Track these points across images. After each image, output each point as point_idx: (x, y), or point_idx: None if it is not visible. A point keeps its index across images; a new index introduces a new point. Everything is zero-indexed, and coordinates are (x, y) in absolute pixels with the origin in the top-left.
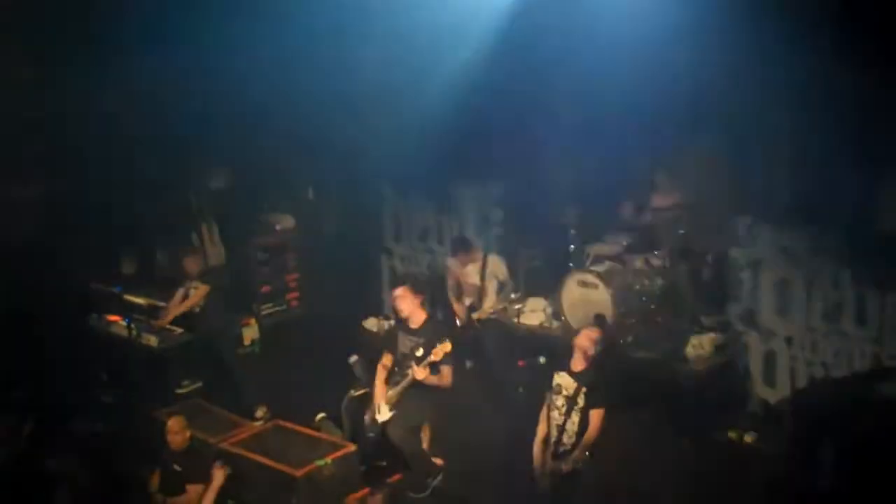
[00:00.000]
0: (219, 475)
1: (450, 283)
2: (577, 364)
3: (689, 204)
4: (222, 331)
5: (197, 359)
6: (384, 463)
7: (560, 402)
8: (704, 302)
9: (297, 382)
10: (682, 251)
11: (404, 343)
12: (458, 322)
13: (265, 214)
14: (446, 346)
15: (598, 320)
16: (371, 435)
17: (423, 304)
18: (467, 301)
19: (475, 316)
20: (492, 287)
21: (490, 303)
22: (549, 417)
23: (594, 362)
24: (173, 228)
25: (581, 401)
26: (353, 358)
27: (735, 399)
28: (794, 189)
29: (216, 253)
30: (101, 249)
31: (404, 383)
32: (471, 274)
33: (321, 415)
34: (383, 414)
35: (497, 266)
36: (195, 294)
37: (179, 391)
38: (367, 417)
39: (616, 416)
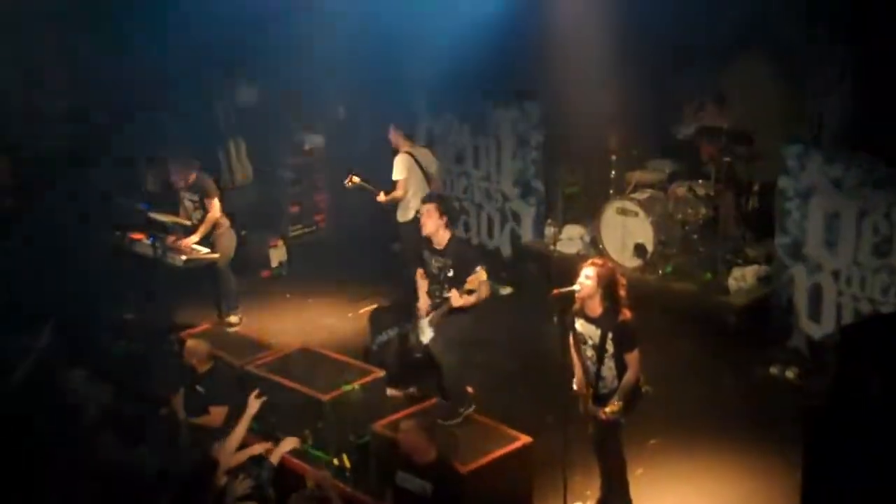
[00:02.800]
0: (254, 404)
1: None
2: (593, 307)
3: (738, 130)
4: (226, 254)
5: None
6: (414, 389)
7: (588, 351)
8: (749, 233)
9: (326, 306)
10: (729, 179)
11: (432, 263)
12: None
13: (295, 133)
14: (481, 275)
15: (638, 250)
16: (418, 355)
17: (447, 226)
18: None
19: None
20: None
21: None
22: (582, 364)
23: (611, 302)
24: (200, 145)
25: (610, 347)
26: (381, 338)
27: (777, 334)
28: (847, 118)
29: (243, 171)
30: (125, 165)
31: (445, 308)
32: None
33: (381, 338)
34: (427, 335)
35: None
36: (211, 205)
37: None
38: (413, 340)
39: (654, 351)
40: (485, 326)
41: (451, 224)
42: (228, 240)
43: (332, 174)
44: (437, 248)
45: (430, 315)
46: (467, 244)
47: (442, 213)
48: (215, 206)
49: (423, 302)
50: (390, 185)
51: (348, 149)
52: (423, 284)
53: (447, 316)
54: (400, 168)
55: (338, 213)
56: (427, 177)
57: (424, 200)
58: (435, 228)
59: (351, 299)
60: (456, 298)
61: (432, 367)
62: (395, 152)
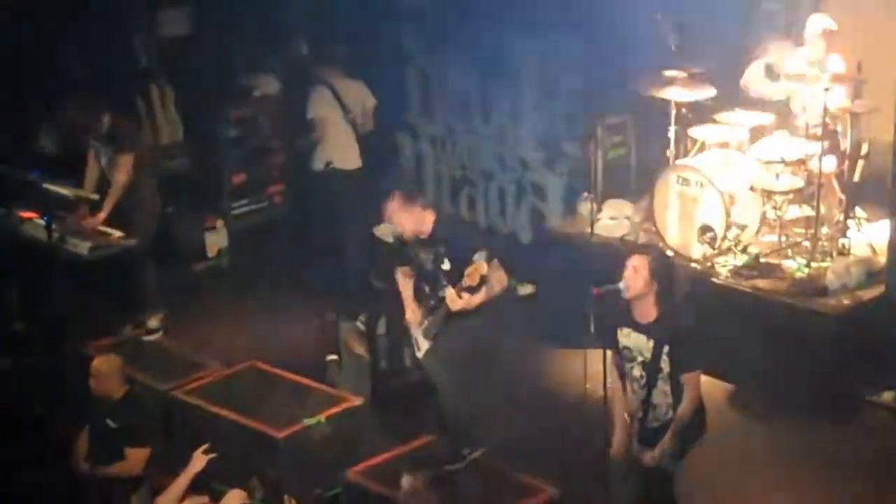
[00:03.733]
0: (199, 461)
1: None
2: (645, 311)
3: (845, 74)
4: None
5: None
6: (406, 420)
7: (636, 370)
8: (856, 211)
9: (283, 310)
10: (832, 138)
11: (420, 257)
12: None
13: (240, 75)
14: (481, 266)
15: (705, 234)
16: (411, 379)
17: (425, 206)
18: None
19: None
20: None
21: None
22: (625, 390)
23: (669, 304)
24: (113, 92)
25: (665, 364)
26: (330, 357)
27: (893, 348)
28: None
29: (169, 127)
30: (11, 119)
31: (441, 314)
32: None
33: (331, 356)
34: (423, 349)
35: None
36: (121, 165)
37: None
38: (406, 355)
39: (725, 373)
40: (497, 337)
41: (426, 202)
42: (149, 218)
43: (291, 130)
44: (423, 237)
45: (424, 323)
46: (462, 224)
47: (409, 201)
48: (127, 164)
49: (412, 310)
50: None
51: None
52: (406, 285)
53: (446, 324)
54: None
55: (300, 184)
56: (350, 118)
57: (397, 198)
58: (413, 222)
59: (317, 300)
60: (453, 298)
61: (425, 393)
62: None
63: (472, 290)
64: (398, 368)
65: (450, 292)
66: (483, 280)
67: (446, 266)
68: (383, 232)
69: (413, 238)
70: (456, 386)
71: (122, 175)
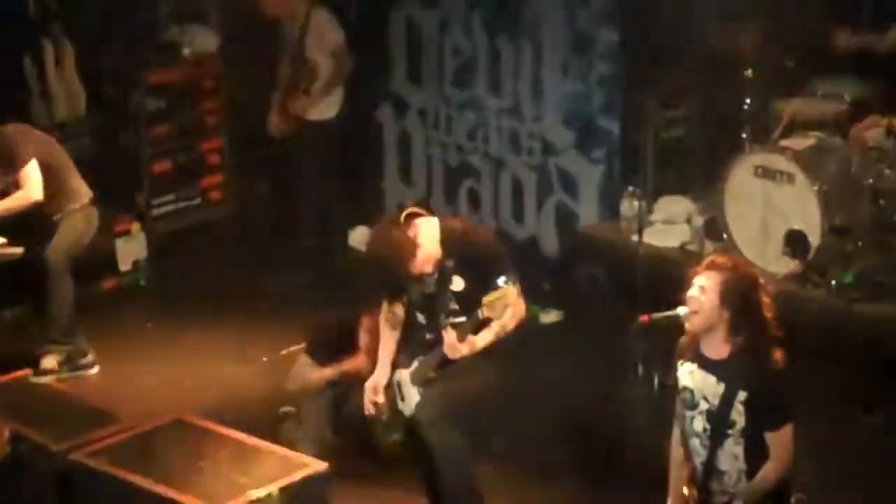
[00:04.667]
0: None
1: None
2: (716, 345)
3: None
4: (76, 243)
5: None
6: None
7: (699, 421)
8: None
9: (220, 342)
10: None
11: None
12: None
13: (164, 29)
14: (508, 295)
15: (793, 242)
16: (394, 437)
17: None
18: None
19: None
20: None
21: None
22: (685, 447)
23: (748, 336)
24: None
25: (739, 417)
26: (286, 409)
27: None
28: None
29: (68, 98)
30: None
31: (435, 358)
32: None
33: (286, 408)
34: (410, 401)
35: None
36: (26, 180)
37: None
38: (379, 411)
39: (823, 432)
40: (512, 378)
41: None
42: (81, 225)
43: (235, 102)
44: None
45: (413, 366)
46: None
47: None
48: (30, 175)
49: (384, 371)
50: None
51: (263, 54)
52: (387, 335)
53: (440, 367)
54: None
55: (247, 174)
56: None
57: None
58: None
59: (268, 331)
60: (452, 346)
61: (416, 452)
62: None
63: (483, 325)
64: (370, 423)
65: (449, 336)
66: (504, 310)
67: (457, 286)
68: (360, 241)
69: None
70: (455, 447)
71: (24, 186)
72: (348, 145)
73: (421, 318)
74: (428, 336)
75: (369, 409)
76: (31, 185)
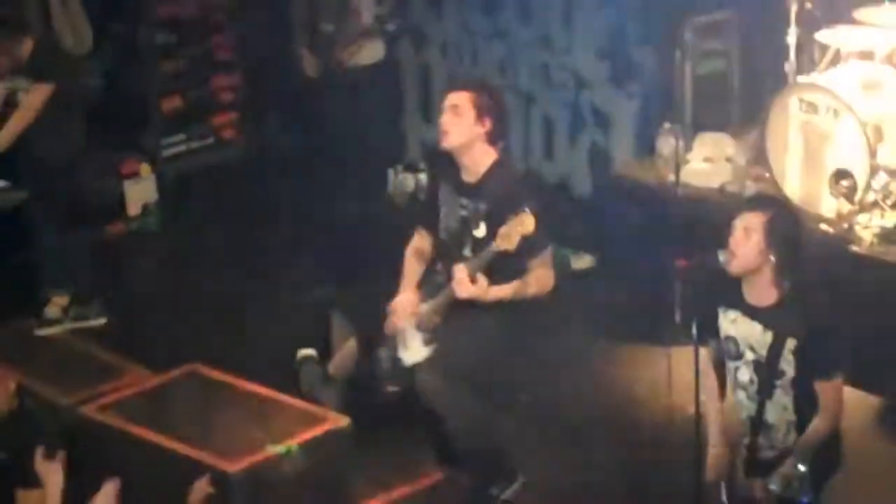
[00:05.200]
0: (107, 491)
1: None
2: (762, 291)
3: None
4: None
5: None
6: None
7: (745, 373)
8: None
9: (235, 290)
10: None
11: (453, 210)
12: None
13: None
14: (526, 223)
15: (841, 182)
16: (391, 388)
17: (492, 137)
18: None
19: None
20: None
21: None
22: (729, 399)
23: (797, 280)
24: None
25: (788, 366)
26: (304, 352)
27: None
28: None
29: (75, 34)
30: None
31: (444, 300)
32: None
33: (305, 351)
34: (412, 350)
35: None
36: (28, 102)
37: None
38: (382, 356)
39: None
40: (535, 331)
41: (500, 133)
42: (53, 161)
43: (249, 35)
44: (470, 180)
45: (421, 310)
46: (521, 177)
47: (484, 108)
48: (38, 95)
49: (407, 295)
50: None
51: None
52: (412, 268)
53: (450, 314)
54: None
55: (265, 112)
56: None
57: (452, 86)
58: (467, 137)
59: (290, 278)
60: (462, 280)
61: (420, 414)
62: None
63: (502, 267)
64: (372, 376)
65: (460, 271)
66: (525, 242)
67: (480, 231)
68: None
69: (453, 172)
70: (469, 411)
71: (27, 112)
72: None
73: (439, 260)
74: (439, 279)
75: (389, 329)
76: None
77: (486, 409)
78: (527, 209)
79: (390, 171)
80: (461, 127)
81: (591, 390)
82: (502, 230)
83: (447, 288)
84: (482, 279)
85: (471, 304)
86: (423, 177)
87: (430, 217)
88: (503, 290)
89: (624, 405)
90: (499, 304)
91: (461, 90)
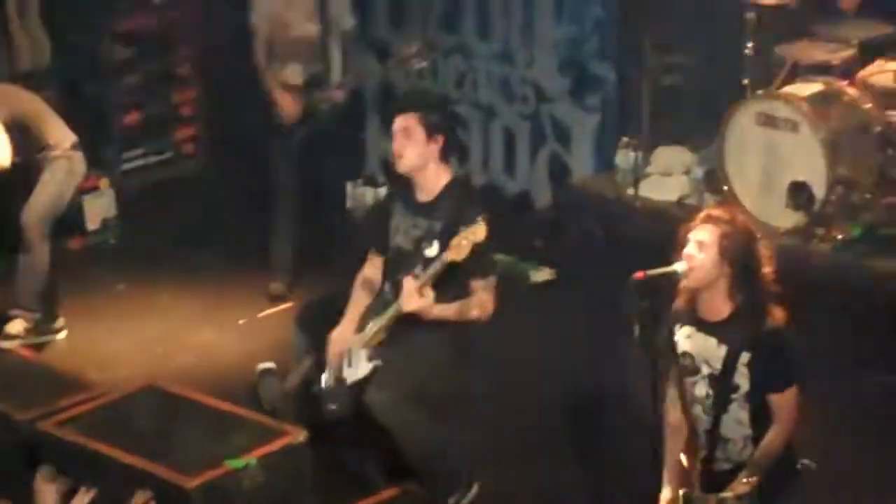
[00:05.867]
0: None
1: None
2: (716, 305)
3: None
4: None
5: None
6: (359, 463)
7: (700, 388)
8: None
9: (194, 304)
10: None
11: (406, 230)
12: None
13: None
14: (477, 231)
15: (797, 194)
16: (331, 407)
17: (445, 154)
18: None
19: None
20: None
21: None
22: (686, 415)
23: (749, 294)
24: None
25: (743, 380)
26: (264, 365)
27: None
28: None
29: (32, 45)
30: None
31: (391, 313)
32: None
33: (265, 364)
34: (357, 366)
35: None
36: None
37: None
38: (325, 376)
39: (826, 393)
40: (494, 340)
41: (453, 148)
42: (62, 177)
43: (208, 49)
44: (423, 199)
45: (368, 326)
46: (477, 194)
47: (431, 129)
48: None
49: (345, 327)
50: None
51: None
52: (361, 288)
53: (395, 329)
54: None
55: (224, 126)
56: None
57: (397, 107)
58: (419, 158)
59: (245, 292)
60: (410, 292)
61: (368, 433)
62: None
63: (447, 285)
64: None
65: (409, 282)
66: (475, 256)
67: (432, 251)
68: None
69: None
70: (422, 428)
71: None
72: None
73: (387, 285)
74: (388, 297)
75: (329, 361)
76: None
77: (438, 422)
78: (479, 219)
79: (349, 185)
80: (414, 149)
81: (549, 402)
82: (454, 240)
83: (395, 303)
84: (429, 292)
85: (415, 320)
86: (382, 191)
87: (382, 238)
88: (446, 310)
89: (582, 417)
90: (431, 324)
91: (408, 111)
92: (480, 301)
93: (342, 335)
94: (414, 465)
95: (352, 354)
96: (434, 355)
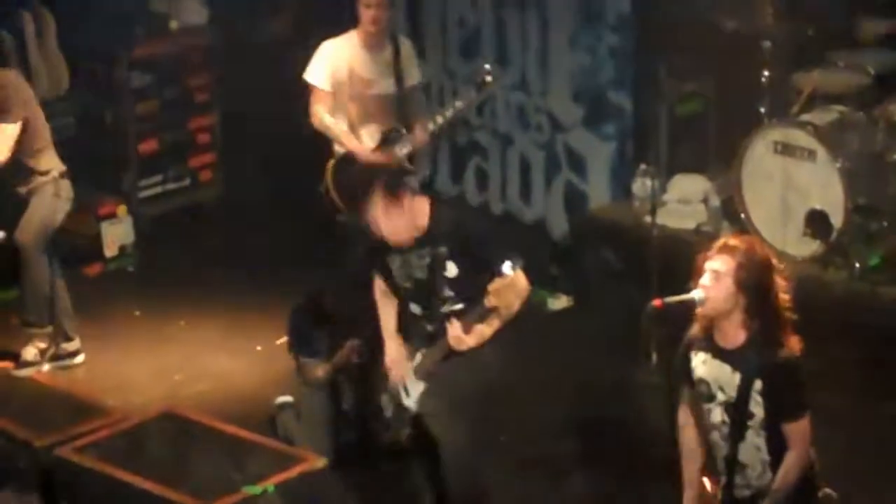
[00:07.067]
0: None
1: None
2: (731, 333)
3: None
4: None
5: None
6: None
7: (717, 414)
8: None
9: (211, 332)
10: None
11: (409, 262)
12: None
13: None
14: (517, 282)
15: (814, 223)
16: (398, 435)
17: (413, 195)
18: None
19: None
20: None
21: None
22: (703, 441)
23: (764, 322)
24: None
25: (758, 408)
26: (282, 399)
27: None
28: None
29: (51, 74)
30: None
31: (438, 350)
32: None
33: (283, 398)
34: (412, 394)
35: None
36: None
37: None
38: (385, 403)
39: (848, 422)
40: (520, 368)
41: (413, 189)
42: (50, 199)
43: (229, 79)
44: (408, 245)
45: (416, 359)
46: (466, 214)
47: (393, 196)
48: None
49: (394, 345)
50: None
51: (262, 30)
52: (387, 310)
53: (445, 360)
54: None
55: (239, 155)
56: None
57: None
58: (408, 227)
59: (263, 319)
60: (458, 338)
61: (420, 447)
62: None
63: (487, 314)
64: (374, 420)
65: (453, 329)
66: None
67: (451, 272)
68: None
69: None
70: (463, 438)
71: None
72: None
73: (416, 308)
74: (429, 328)
75: (395, 382)
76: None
77: (474, 441)
78: (515, 266)
79: None
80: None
81: (567, 428)
82: (492, 287)
83: (442, 340)
84: (477, 327)
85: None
86: None
87: (384, 270)
88: (496, 324)
89: (600, 443)
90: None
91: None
92: (517, 290)
93: (400, 360)
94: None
95: (408, 385)
96: (461, 380)
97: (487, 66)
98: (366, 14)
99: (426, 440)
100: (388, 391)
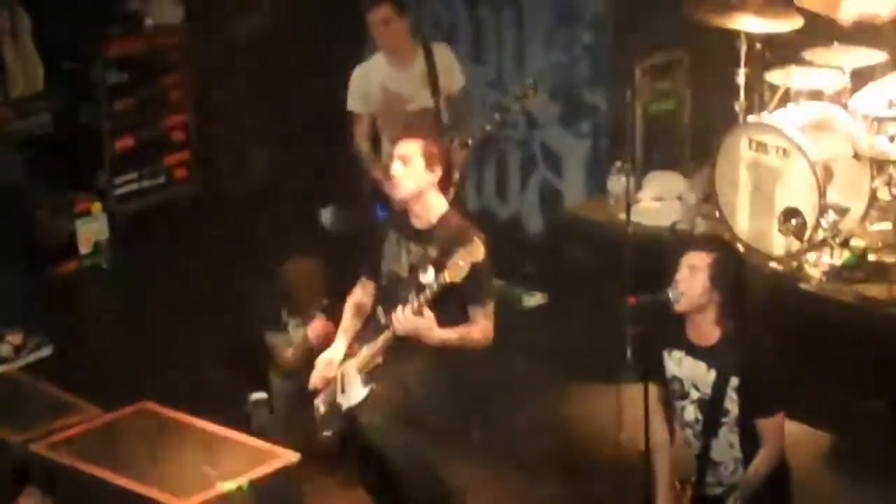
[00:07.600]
0: None
1: None
2: (706, 330)
3: None
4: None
5: None
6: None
7: (690, 412)
8: None
9: (186, 327)
10: None
11: (399, 256)
12: None
13: None
14: (474, 251)
15: (789, 221)
16: (326, 433)
17: (443, 185)
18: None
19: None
20: None
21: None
22: (676, 437)
23: (739, 319)
24: None
25: (732, 404)
26: (256, 396)
27: None
28: None
29: (26, 72)
30: None
31: (384, 338)
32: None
33: (257, 394)
34: (351, 392)
35: None
36: None
37: None
38: (320, 401)
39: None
40: (494, 365)
41: (449, 181)
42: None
43: (203, 76)
44: (417, 226)
45: (357, 356)
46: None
47: (432, 159)
48: None
49: (334, 352)
50: None
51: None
52: (351, 313)
53: (391, 354)
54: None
55: (216, 151)
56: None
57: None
58: (417, 187)
59: (236, 315)
60: (403, 317)
61: (362, 456)
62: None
63: (445, 308)
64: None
65: (399, 311)
66: (474, 279)
67: (427, 277)
68: (329, 220)
69: (402, 219)
70: (414, 449)
71: None
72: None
73: (380, 310)
74: (382, 323)
75: (315, 384)
76: None
77: (431, 447)
78: (476, 238)
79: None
80: (412, 176)
81: (542, 427)
82: (450, 261)
83: (383, 332)
84: (427, 312)
85: (413, 345)
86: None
87: (374, 264)
88: (450, 335)
89: (574, 442)
90: (432, 348)
91: (410, 139)
92: (482, 328)
93: (332, 360)
94: (407, 490)
95: (345, 380)
96: (429, 379)
97: (531, 82)
98: (375, 35)
99: (369, 451)
100: (324, 389)
